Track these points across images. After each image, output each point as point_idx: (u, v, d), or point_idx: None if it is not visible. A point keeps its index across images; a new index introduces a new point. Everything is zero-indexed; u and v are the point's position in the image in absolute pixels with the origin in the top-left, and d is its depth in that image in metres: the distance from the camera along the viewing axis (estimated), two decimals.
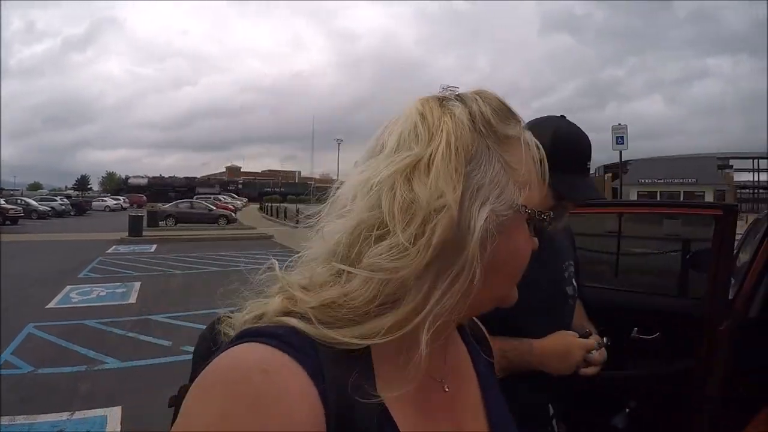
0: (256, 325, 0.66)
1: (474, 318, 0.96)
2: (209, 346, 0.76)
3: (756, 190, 65.29)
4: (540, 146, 0.78)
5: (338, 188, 0.75)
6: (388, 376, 0.68)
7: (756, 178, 66.33)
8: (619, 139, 14.50)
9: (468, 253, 0.66)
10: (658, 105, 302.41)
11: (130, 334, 7.56)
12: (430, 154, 0.68)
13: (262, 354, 0.60)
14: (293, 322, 0.65)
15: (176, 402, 0.76)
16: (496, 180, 0.70)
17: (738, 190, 62.76)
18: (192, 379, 0.69)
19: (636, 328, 2.70)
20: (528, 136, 0.77)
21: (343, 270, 0.67)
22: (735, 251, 3.84)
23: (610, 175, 72.59)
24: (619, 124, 14.46)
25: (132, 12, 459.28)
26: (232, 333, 0.67)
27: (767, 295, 2.68)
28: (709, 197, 49.18)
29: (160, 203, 34.80)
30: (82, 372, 5.97)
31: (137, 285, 11.56)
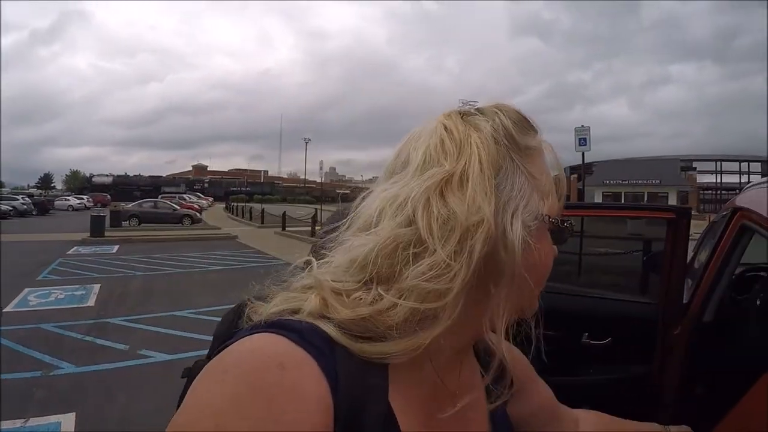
0: (280, 317, 0.66)
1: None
2: (231, 327, 0.77)
3: (718, 192, 67.08)
4: (556, 154, 0.80)
5: (361, 202, 0.75)
6: (403, 385, 0.69)
7: (718, 180, 68.29)
8: (582, 141, 14.67)
9: (511, 265, 0.68)
10: (623, 108, 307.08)
11: (87, 338, 7.40)
12: (462, 169, 0.68)
13: (283, 347, 0.61)
14: (323, 324, 0.65)
15: (189, 374, 0.79)
16: (522, 191, 0.71)
17: (701, 192, 64.40)
18: (209, 357, 0.71)
19: (586, 333, 2.70)
20: (546, 146, 0.78)
21: (372, 282, 0.67)
22: (693, 252, 3.91)
23: (575, 176, 73.58)
24: (582, 126, 14.63)
25: (101, 5, 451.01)
26: (254, 320, 0.68)
27: (723, 299, 2.58)
28: (672, 198, 50.30)
29: (124, 203, 34.27)
30: (37, 378, 5.81)
31: (96, 287, 11.31)
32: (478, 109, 0.77)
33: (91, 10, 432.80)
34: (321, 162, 37.50)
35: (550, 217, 0.74)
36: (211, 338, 0.87)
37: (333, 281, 0.68)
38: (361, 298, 0.66)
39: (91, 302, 10.00)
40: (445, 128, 0.72)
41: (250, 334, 0.63)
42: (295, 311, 0.68)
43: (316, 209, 30.78)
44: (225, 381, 0.57)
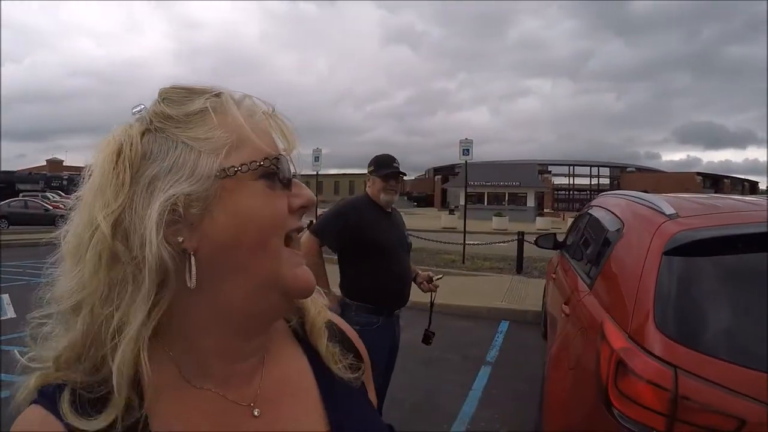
0: (44, 384, 0.69)
1: (333, 321, 0.96)
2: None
3: (571, 192, 73.28)
4: (250, 100, 0.78)
5: None
6: (166, 411, 0.69)
7: (571, 182, 74.25)
8: (466, 151, 15.95)
9: (139, 257, 0.65)
10: (483, 116, 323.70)
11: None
12: (82, 191, 0.71)
13: (30, 416, 0.66)
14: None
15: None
16: (179, 163, 0.69)
17: (555, 192, 70.19)
18: None
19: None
20: (222, 101, 0.74)
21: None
22: (566, 234, 6.18)
23: (440, 177, 76.82)
24: (466, 138, 15.90)
25: None
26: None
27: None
28: (531, 199, 53.54)
29: None
30: (5, 399, 4.94)
31: (6, 297, 10.65)
32: (141, 110, 0.76)
33: None
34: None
35: (235, 167, 0.70)
36: None
37: None
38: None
39: (10, 314, 9.50)
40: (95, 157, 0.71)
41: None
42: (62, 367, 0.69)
43: None
44: None
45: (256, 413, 0.76)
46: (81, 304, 0.67)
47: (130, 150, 0.69)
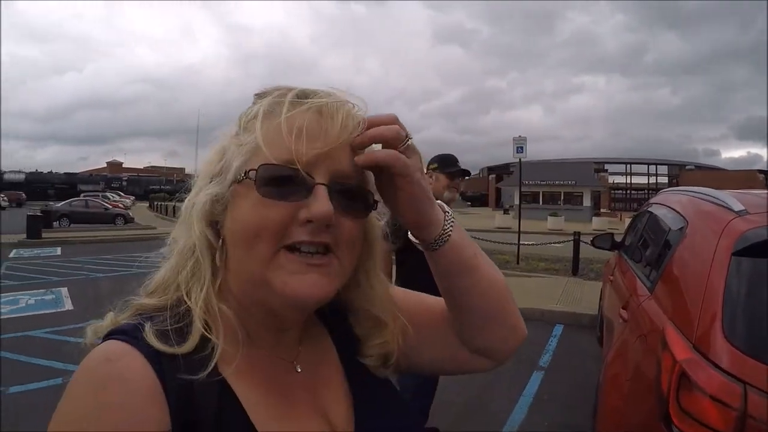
0: (116, 326, 0.78)
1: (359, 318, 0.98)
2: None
3: (628, 191, 71.20)
4: (292, 92, 0.78)
5: None
6: (229, 356, 0.77)
7: (628, 181, 72.39)
8: (519, 149, 15.66)
9: (192, 238, 0.80)
10: (536, 114, 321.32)
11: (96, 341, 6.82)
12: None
13: (109, 347, 0.71)
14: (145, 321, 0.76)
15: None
16: (225, 166, 0.79)
17: (612, 191, 67.93)
18: None
19: None
20: (274, 102, 0.78)
21: None
22: (624, 234, 5.93)
23: (494, 176, 76.14)
24: (520, 136, 15.61)
25: None
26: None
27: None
28: (587, 198, 52.47)
29: (40, 201, 32.04)
30: (61, 385, 5.09)
31: (65, 290, 11.06)
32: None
33: None
34: None
35: (245, 175, 0.76)
36: None
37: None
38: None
39: (68, 306, 9.82)
40: None
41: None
42: (137, 314, 0.80)
43: None
44: (71, 388, 0.68)
45: (298, 369, 0.88)
46: (172, 251, 0.84)
47: (214, 151, 0.84)
